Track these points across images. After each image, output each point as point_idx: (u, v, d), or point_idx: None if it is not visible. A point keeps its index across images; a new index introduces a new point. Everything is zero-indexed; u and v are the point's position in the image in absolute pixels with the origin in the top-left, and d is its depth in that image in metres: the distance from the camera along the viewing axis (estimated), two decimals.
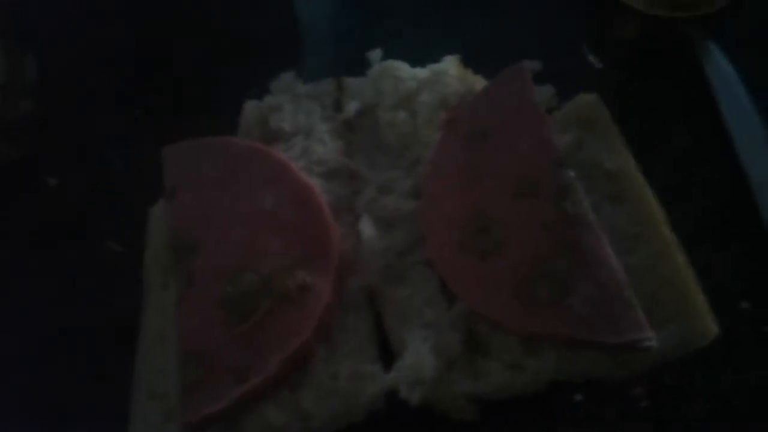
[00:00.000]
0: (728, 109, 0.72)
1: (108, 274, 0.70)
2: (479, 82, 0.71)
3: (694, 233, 0.61)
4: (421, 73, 0.72)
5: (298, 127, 0.69)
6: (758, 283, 0.64)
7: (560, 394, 0.58)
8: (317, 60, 0.85)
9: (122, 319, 0.63)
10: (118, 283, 0.68)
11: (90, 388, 0.63)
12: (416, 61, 0.74)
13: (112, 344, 0.64)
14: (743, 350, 0.61)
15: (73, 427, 0.62)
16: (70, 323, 0.68)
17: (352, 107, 0.71)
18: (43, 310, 0.70)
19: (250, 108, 0.71)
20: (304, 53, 0.86)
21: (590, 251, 0.55)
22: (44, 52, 0.86)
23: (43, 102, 0.82)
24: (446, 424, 0.57)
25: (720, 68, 0.75)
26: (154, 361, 0.59)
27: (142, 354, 0.60)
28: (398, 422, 0.56)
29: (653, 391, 0.59)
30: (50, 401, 0.64)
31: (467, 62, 0.73)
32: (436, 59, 0.73)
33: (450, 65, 0.72)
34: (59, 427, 0.62)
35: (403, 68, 0.72)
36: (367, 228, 0.61)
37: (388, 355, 0.58)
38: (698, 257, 0.57)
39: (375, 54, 0.73)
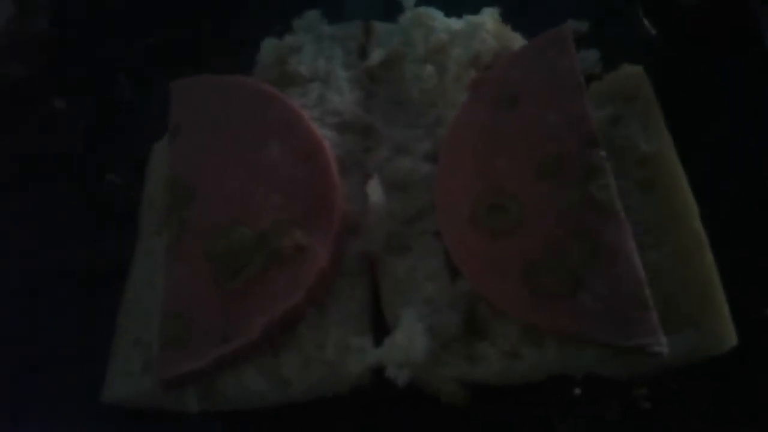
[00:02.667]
0: None
1: (105, 209, 0.68)
2: (517, 41, 0.66)
3: (723, 230, 0.55)
4: (456, 24, 0.67)
5: (316, 72, 0.65)
6: None
7: (558, 386, 0.54)
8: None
9: (114, 259, 0.62)
10: (115, 219, 0.66)
11: (74, 326, 0.61)
12: (452, 10, 0.69)
13: (100, 283, 0.62)
14: (761, 360, 0.56)
15: (52, 366, 0.60)
16: (61, 257, 0.66)
17: (376, 55, 0.66)
18: (35, 241, 0.68)
19: (269, 47, 0.67)
20: None
21: (611, 243, 0.50)
22: None
23: (57, 23, 0.79)
24: (435, 407, 0.54)
25: None
26: (140, 308, 0.57)
27: (129, 299, 0.58)
28: (385, 399, 0.54)
29: (658, 394, 0.55)
30: (32, 338, 0.62)
31: (506, 17, 0.67)
32: (473, 11, 0.68)
33: (488, 18, 0.66)
34: (38, 364, 0.61)
35: (437, 17, 0.67)
36: (375, 192, 0.57)
37: (381, 327, 0.55)
38: (724, 256, 0.53)
39: None
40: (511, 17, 0.68)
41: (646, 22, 0.75)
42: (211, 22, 0.80)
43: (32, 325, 0.63)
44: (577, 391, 0.56)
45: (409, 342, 0.51)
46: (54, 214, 0.68)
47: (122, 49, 0.79)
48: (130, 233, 0.63)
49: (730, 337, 0.50)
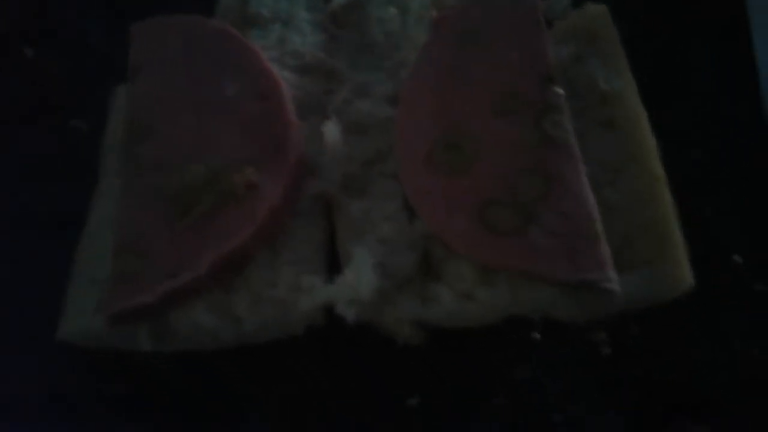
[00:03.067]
0: (761, 42, 0.63)
1: (69, 154, 0.67)
2: None
3: (694, 175, 0.54)
4: None
5: (278, 13, 0.64)
6: (758, 236, 0.57)
7: (517, 330, 0.54)
8: None
9: (78, 203, 0.61)
10: (79, 164, 0.64)
11: (34, 269, 0.61)
12: None
13: (63, 227, 0.61)
14: (727, 308, 0.55)
15: (11, 305, 0.60)
16: (24, 201, 0.66)
17: None
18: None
19: None
20: None
21: (563, 179, 0.50)
22: None
23: None
24: (391, 348, 0.54)
25: None
26: (97, 249, 0.56)
27: (87, 240, 0.58)
28: (340, 340, 0.53)
29: (618, 338, 0.54)
30: None
31: None
32: None
33: None
34: None
35: None
36: (331, 132, 0.56)
37: (337, 269, 0.54)
38: (685, 198, 0.52)
39: None
40: None
41: None
42: None
43: None
44: (536, 335, 0.55)
45: (358, 279, 0.50)
46: (18, 159, 0.68)
47: None
48: (93, 178, 0.62)
49: (686, 278, 0.49)
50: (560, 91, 0.52)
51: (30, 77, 0.73)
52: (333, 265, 0.55)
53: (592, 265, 0.47)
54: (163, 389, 0.56)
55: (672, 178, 0.53)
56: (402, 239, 0.53)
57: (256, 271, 0.53)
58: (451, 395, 0.54)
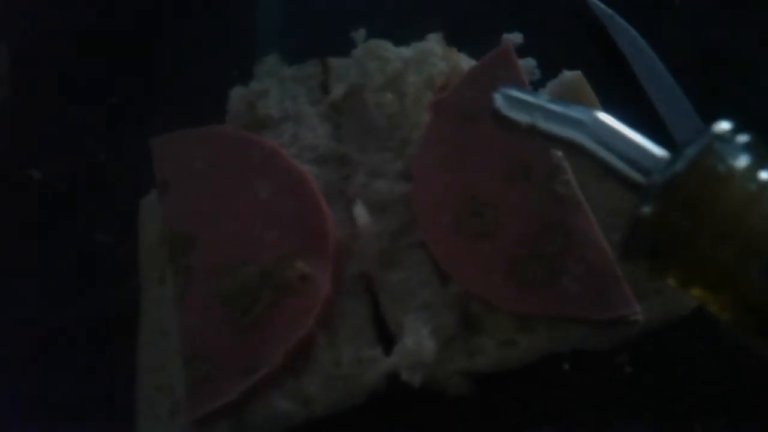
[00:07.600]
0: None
1: (99, 266, 0.70)
2: (463, 60, 0.72)
3: None
4: (406, 52, 0.72)
5: (285, 112, 0.70)
6: None
7: (549, 364, 0.60)
8: (299, 41, 0.84)
9: (118, 312, 0.64)
10: (111, 274, 0.68)
11: (89, 384, 0.63)
12: (397, 36, 0.74)
13: (109, 338, 0.64)
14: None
15: (79, 427, 0.62)
16: (63, 318, 0.67)
17: (339, 90, 0.71)
18: (35, 307, 0.69)
19: (238, 94, 0.71)
20: (285, 34, 0.85)
21: (580, 231, 0.57)
22: (14, 39, 0.84)
23: (17, 91, 0.81)
24: (443, 399, 0.59)
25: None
26: (156, 356, 0.60)
27: (144, 349, 0.61)
28: (398, 400, 0.58)
29: (636, 358, 0.62)
30: (51, 402, 0.63)
31: (450, 40, 0.74)
32: (417, 34, 0.74)
33: (434, 44, 0.72)
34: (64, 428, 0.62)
35: (387, 48, 0.73)
36: (361, 214, 0.62)
37: (386, 337, 0.60)
38: None
39: (359, 34, 0.73)
40: (454, 39, 0.74)
41: None
42: (168, 74, 0.83)
43: (44, 386, 0.64)
44: (566, 366, 0.62)
45: (418, 346, 0.56)
46: (49, 275, 0.70)
47: (86, 110, 0.80)
48: (128, 284, 0.65)
49: (690, 299, 0.57)
50: (560, 153, 0.60)
51: (43, 198, 0.75)
52: (381, 334, 0.61)
53: (621, 303, 0.54)
54: None
55: None
56: (440, 302, 0.59)
57: (318, 352, 0.57)
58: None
